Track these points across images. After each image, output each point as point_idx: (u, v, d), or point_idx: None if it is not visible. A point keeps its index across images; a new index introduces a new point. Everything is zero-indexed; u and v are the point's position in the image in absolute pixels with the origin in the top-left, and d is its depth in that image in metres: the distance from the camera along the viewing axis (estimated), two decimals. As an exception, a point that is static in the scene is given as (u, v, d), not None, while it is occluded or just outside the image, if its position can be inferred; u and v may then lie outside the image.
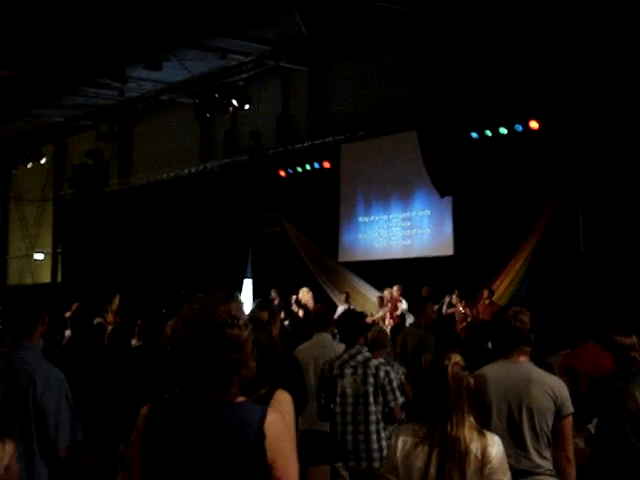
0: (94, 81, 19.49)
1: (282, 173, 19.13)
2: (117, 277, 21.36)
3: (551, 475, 4.37)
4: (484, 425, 4.16)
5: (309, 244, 18.66)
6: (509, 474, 3.49)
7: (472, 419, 3.50)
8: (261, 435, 2.59)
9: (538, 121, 14.20)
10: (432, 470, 3.38)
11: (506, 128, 14.70)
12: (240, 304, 2.72)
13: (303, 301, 15.40)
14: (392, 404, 5.80)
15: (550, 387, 4.40)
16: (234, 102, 16.68)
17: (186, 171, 21.31)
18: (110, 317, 15.58)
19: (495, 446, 3.45)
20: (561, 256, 13.93)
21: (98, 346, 7.59)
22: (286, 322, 13.26)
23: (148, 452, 2.66)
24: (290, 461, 2.68)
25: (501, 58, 14.26)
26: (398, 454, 3.47)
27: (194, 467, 2.61)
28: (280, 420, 2.69)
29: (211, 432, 2.60)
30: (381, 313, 14.89)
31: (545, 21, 13.59)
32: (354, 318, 6.27)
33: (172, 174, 21.57)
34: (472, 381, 3.57)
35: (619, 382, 5.27)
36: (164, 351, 7.10)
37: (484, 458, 3.40)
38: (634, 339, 5.42)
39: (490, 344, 7.15)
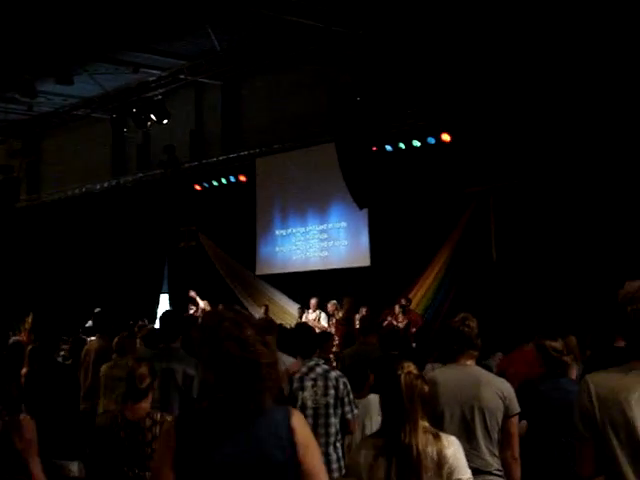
0: (1, 95, 19.05)
1: (197, 187, 19.09)
2: (30, 295, 20.87)
3: (499, 474, 4.57)
4: (437, 428, 4.32)
5: (226, 258, 18.65)
6: (469, 472, 3.61)
7: (426, 424, 3.62)
8: (290, 430, 2.73)
9: (449, 134, 14.58)
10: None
11: (419, 141, 15.04)
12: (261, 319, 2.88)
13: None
14: (349, 415, 5.84)
15: (499, 388, 4.61)
16: (152, 117, 16.57)
17: (98, 186, 21.00)
18: (24, 335, 15.23)
19: (451, 447, 3.57)
20: (475, 264, 14.31)
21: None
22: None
23: (183, 460, 2.71)
24: (317, 456, 2.82)
25: (413, 71, 14.58)
26: (361, 468, 3.57)
27: (231, 471, 2.69)
28: (302, 416, 2.85)
29: (246, 436, 2.70)
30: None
31: (453, 34, 13.95)
32: (309, 331, 6.33)
33: (84, 189, 21.23)
34: (426, 388, 3.69)
35: (547, 383, 5.48)
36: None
37: (440, 460, 3.51)
38: (562, 343, 5.65)
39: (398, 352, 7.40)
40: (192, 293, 16.46)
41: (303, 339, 6.10)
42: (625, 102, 11.98)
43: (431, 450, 3.53)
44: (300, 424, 2.78)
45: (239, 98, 18.89)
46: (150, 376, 4.94)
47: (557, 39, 12.56)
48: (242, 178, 18.37)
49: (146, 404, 4.91)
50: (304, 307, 15.64)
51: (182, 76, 17.90)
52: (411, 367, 3.71)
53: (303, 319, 14.84)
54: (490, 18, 13.35)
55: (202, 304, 15.82)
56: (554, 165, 13.00)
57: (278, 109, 17.63)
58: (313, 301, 15.16)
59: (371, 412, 6.10)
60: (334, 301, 14.87)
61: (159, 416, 4.88)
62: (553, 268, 12.82)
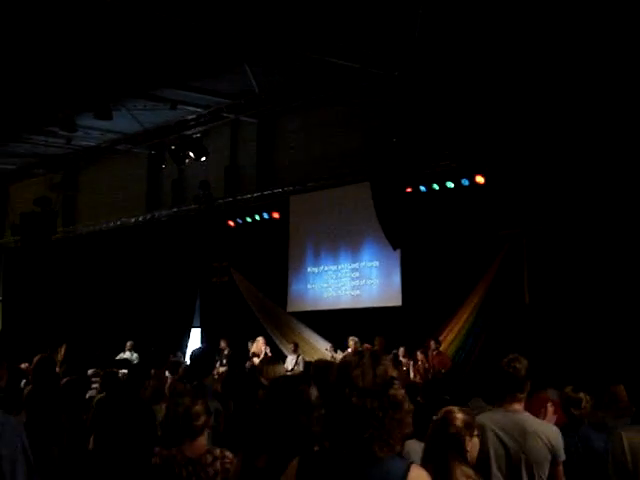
0: (41, 129, 19.41)
1: (231, 223, 19.23)
2: (62, 327, 21.06)
3: None
4: (484, 474, 4.32)
5: (257, 294, 18.72)
6: None
7: (467, 470, 3.69)
8: None
9: (483, 175, 14.60)
10: None
11: (453, 182, 15.06)
12: (390, 362, 2.82)
13: (255, 351, 15.39)
14: None
15: (546, 437, 4.55)
16: (191, 154, 16.79)
17: (133, 220, 21.24)
18: (57, 367, 15.33)
19: None
20: (507, 307, 14.23)
21: (58, 397, 7.57)
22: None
23: None
24: None
25: (447, 113, 14.66)
26: None
27: None
28: (423, 473, 2.76)
29: None
30: None
31: (487, 75, 14.04)
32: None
33: (119, 222, 21.47)
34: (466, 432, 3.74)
35: (571, 433, 5.45)
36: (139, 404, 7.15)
37: None
38: (581, 395, 5.64)
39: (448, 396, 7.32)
40: (223, 344, 16.42)
41: None
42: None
43: None
44: None
45: (274, 135, 19.08)
46: (205, 413, 4.91)
47: (592, 86, 12.59)
48: (275, 215, 18.49)
49: (204, 441, 4.87)
50: (336, 345, 15.53)
51: (222, 114, 18.14)
52: (453, 413, 3.78)
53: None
54: (524, 61, 13.43)
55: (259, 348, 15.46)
56: (587, 208, 12.96)
57: (313, 147, 17.78)
58: (352, 342, 14.98)
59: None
60: (355, 338, 14.80)
61: (219, 452, 4.82)
62: (586, 313, 12.71)
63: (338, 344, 15.47)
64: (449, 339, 14.98)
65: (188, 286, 20.10)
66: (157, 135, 19.18)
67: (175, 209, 20.44)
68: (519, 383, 4.65)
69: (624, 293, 12.33)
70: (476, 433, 3.85)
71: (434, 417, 3.91)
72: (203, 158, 17.00)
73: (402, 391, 2.77)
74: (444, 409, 3.90)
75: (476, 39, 13.32)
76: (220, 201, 19.12)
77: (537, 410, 6.94)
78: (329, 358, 15.12)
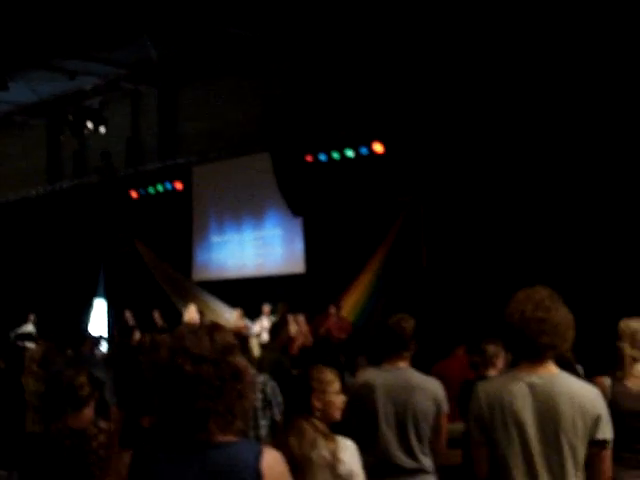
0: None
1: (134, 194, 19.14)
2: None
3: (431, 472, 4.81)
4: (372, 429, 4.53)
5: (162, 264, 18.74)
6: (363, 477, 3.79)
7: (319, 424, 3.77)
8: (257, 476, 2.38)
9: (382, 144, 14.96)
10: None
11: (352, 150, 15.38)
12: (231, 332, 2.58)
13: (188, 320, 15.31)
14: (277, 418, 5.98)
15: (431, 390, 4.80)
16: (89, 125, 16.63)
17: (34, 192, 20.88)
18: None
19: (346, 451, 3.72)
20: (406, 271, 14.70)
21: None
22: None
23: None
24: None
25: (346, 82, 14.96)
26: None
27: None
28: (278, 459, 2.47)
29: (195, 473, 2.40)
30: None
31: (384, 46, 14.36)
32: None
33: (19, 195, 21.08)
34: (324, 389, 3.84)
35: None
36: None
37: (334, 461, 3.65)
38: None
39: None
40: (127, 314, 16.38)
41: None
42: (548, 115, 12.50)
43: (319, 452, 3.66)
44: (270, 469, 2.40)
45: (175, 106, 19.01)
46: (89, 384, 4.91)
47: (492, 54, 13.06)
48: (178, 185, 18.49)
49: (89, 412, 4.86)
50: (248, 314, 15.54)
51: (121, 84, 17.97)
52: (318, 369, 3.90)
53: (256, 327, 14.92)
54: (421, 26, 13.78)
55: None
56: (482, 174, 13.47)
57: (214, 117, 17.81)
58: (266, 308, 15.09)
59: None
60: (269, 304, 15.04)
61: (102, 424, 4.87)
62: (481, 274, 13.27)
63: (254, 313, 15.46)
64: (350, 304, 15.34)
65: (91, 257, 19.95)
66: (55, 106, 18.85)
67: (76, 181, 20.19)
68: (405, 341, 4.84)
69: (513, 255, 12.91)
70: (337, 390, 3.92)
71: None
72: (102, 129, 16.86)
73: (244, 361, 2.51)
74: (310, 368, 4.00)
75: (372, 5, 13.60)
76: (122, 172, 19.00)
77: (456, 366, 7.36)
78: (234, 326, 15.32)
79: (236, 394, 2.41)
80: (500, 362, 6.16)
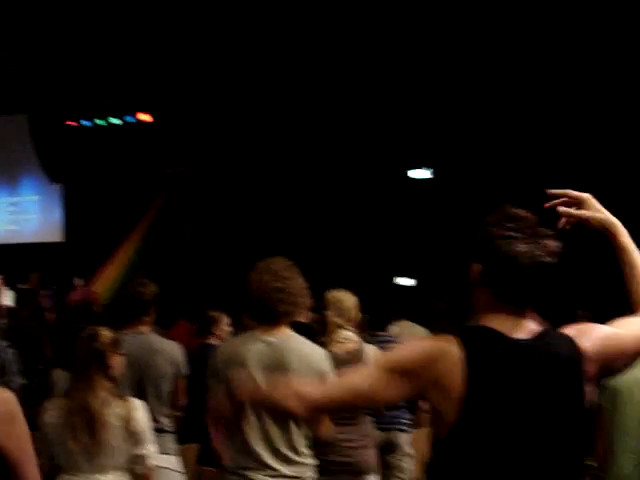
0: None
1: None
2: None
3: (171, 430, 4.98)
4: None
5: None
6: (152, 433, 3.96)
7: (109, 385, 3.84)
8: None
9: (150, 114, 14.65)
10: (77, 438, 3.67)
11: (118, 119, 14.92)
12: None
13: None
14: (14, 385, 5.78)
15: (169, 354, 4.95)
16: None
17: None
18: None
19: (137, 410, 3.85)
20: (169, 242, 14.57)
21: None
22: None
23: None
24: (26, 445, 2.40)
25: (114, 50, 14.45)
26: (48, 429, 3.73)
27: None
28: (9, 399, 2.40)
29: None
30: None
31: (157, 19, 14.01)
32: None
33: None
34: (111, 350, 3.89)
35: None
36: None
37: (125, 421, 3.77)
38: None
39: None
40: None
41: None
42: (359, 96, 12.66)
43: (112, 410, 3.76)
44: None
45: None
46: None
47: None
48: None
49: None
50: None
51: None
52: (97, 331, 3.91)
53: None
54: None
55: None
56: (247, 149, 13.59)
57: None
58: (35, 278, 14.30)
59: None
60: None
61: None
62: (235, 245, 13.42)
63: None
64: (106, 278, 14.95)
65: None
66: None
67: None
68: (145, 306, 4.94)
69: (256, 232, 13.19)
70: (121, 351, 4.03)
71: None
72: None
73: None
74: (89, 328, 4.04)
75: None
76: None
77: (181, 333, 7.44)
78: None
79: None
80: (224, 328, 6.44)
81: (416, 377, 2.09)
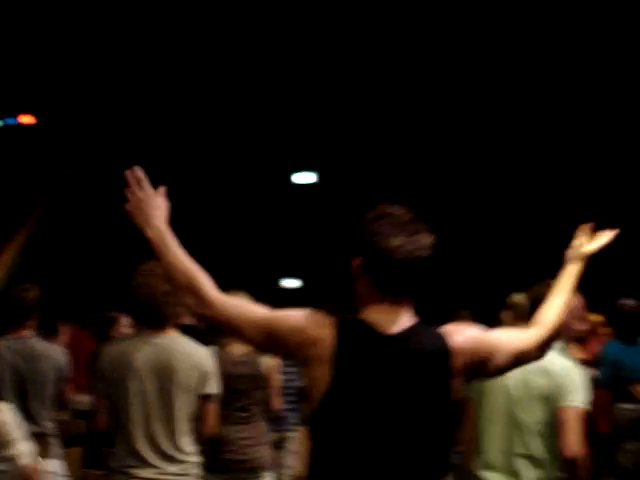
0: None
1: None
2: None
3: (53, 435, 4.95)
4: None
5: None
6: (23, 438, 3.91)
7: None
8: None
9: (33, 116, 14.33)
10: None
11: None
12: None
13: None
14: None
15: (54, 358, 4.96)
16: None
17: None
18: None
19: (6, 414, 3.86)
20: (52, 245, 14.27)
21: None
22: None
23: None
24: None
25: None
26: None
27: None
28: None
29: None
30: None
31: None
32: None
33: None
34: None
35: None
36: None
37: None
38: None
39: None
40: None
41: None
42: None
43: None
44: None
45: None
46: None
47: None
48: None
49: None
50: None
51: None
52: None
53: None
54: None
55: None
56: (130, 155, 13.40)
57: None
58: None
59: None
60: None
61: None
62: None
63: None
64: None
65: None
66: None
67: None
68: (28, 311, 4.97)
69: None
70: None
71: None
72: None
73: None
74: None
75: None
76: None
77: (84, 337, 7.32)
78: None
79: None
80: (122, 330, 6.47)
81: (286, 347, 2.27)
